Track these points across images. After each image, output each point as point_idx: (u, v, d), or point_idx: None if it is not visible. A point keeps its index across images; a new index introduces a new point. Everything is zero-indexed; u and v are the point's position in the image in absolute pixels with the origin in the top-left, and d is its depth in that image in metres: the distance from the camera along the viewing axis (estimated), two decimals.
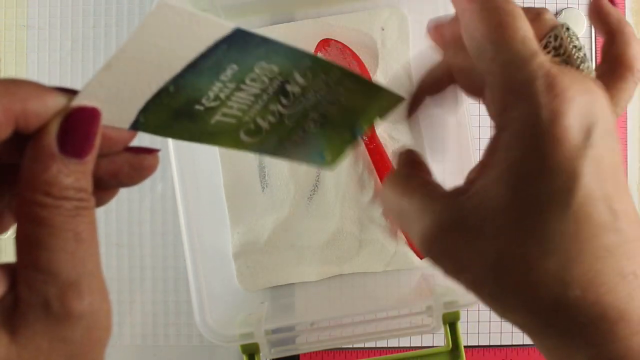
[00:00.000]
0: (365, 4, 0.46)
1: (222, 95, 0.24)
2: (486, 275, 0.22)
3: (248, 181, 0.47)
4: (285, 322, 0.40)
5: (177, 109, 0.24)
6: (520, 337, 0.48)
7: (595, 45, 0.48)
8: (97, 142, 0.21)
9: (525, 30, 0.22)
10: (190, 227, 0.39)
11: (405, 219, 0.24)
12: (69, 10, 0.48)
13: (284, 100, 0.26)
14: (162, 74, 0.23)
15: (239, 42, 0.23)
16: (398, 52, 0.46)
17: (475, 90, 0.26)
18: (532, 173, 0.20)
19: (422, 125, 0.46)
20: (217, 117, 0.25)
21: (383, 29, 0.46)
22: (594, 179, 0.20)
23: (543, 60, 0.21)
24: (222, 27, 0.22)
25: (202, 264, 0.39)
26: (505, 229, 0.21)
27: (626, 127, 0.48)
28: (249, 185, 0.46)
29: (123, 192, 0.47)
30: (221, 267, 0.46)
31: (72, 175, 0.20)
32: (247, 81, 0.24)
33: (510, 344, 0.48)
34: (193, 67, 0.23)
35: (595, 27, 0.25)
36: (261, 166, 0.47)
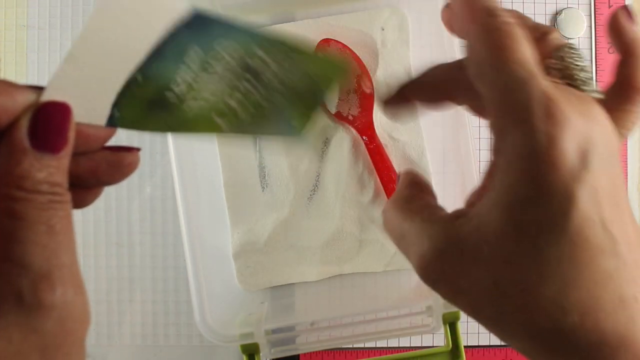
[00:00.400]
0: (365, 4, 0.46)
1: (188, 78, 0.24)
2: (484, 300, 0.21)
3: (248, 181, 0.47)
4: (285, 322, 0.40)
5: (149, 99, 0.24)
6: None
7: (596, 46, 0.48)
8: (71, 137, 0.21)
9: (524, 52, 0.21)
10: (190, 227, 0.39)
11: (405, 241, 0.24)
12: (69, 10, 0.48)
13: (247, 75, 0.26)
14: (127, 63, 0.23)
15: (199, 24, 0.24)
16: (398, 52, 0.46)
17: (480, 111, 0.26)
18: (527, 198, 0.20)
19: (421, 124, 0.46)
20: (188, 102, 0.25)
21: (383, 29, 0.46)
22: (590, 203, 0.20)
23: (541, 82, 0.21)
24: (179, 8, 0.23)
25: (202, 264, 0.39)
26: (502, 254, 0.21)
27: None
28: (249, 185, 0.46)
29: (123, 192, 0.48)
30: (221, 267, 0.46)
31: (45, 170, 0.20)
32: (210, 60, 0.25)
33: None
34: (157, 54, 0.23)
35: (611, 43, 0.25)
36: (261, 166, 0.47)
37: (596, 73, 0.48)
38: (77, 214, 0.47)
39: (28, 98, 0.21)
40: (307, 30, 0.46)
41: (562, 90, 0.21)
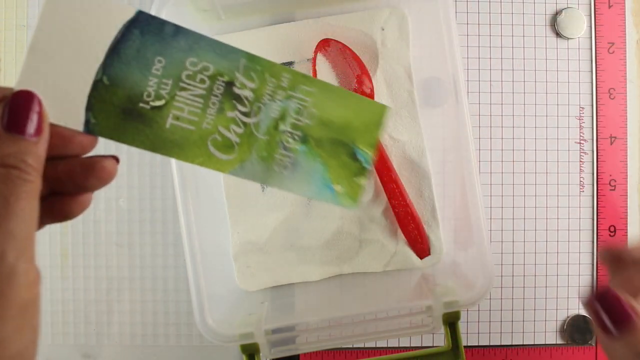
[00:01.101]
0: (365, 4, 0.46)
1: (163, 93, 0.25)
2: None
3: (248, 181, 0.47)
4: (285, 322, 0.40)
5: (122, 107, 0.25)
6: (520, 337, 0.48)
7: (596, 46, 0.48)
8: (42, 125, 0.23)
9: None
10: (190, 227, 0.39)
11: None
12: None
13: (239, 107, 0.27)
14: (88, 61, 0.24)
15: (150, 28, 0.25)
16: (398, 52, 0.46)
17: None
18: None
19: (421, 124, 0.46)
20: (170, 121, 0.26)
21: (383, 29, 0.46)
22: None
23: None
24: (124, 9, 0.24)
25: (202, 264, 0.39)
26: None
27: (626, 127, 0.48)
28: (249, 185, 0.46)
29: (123, 192, 0.47)
30: (221, 267, 0.46)
31: (13, 147, 0.22)
32: (184, 78, 0.26)
33: (510, 344, 0.48)
34: (116, 54, 0.24)
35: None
36: None
37: (596, 73, 0.48)
38: None
39: (6, 92, 0.23)
40: (306, 30, 0.46)
41: None
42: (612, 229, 0.48)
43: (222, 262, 0.46)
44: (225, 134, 0.27)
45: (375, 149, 0.29)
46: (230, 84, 0.26)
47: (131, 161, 0.48)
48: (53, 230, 0.48)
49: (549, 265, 0.48)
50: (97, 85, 0.24)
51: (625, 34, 0.48)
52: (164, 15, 0.37)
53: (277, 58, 0.46)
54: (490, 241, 0.48)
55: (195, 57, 0.25)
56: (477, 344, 0.47)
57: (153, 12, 0.37)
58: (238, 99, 0.26)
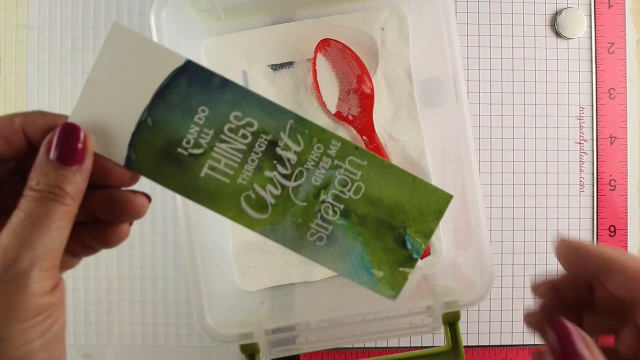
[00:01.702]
0: (365, 4, 0.46)
1: (202, 142, 0.26)
2: None
3: None
4: (285, 322, 0.40)
5: (162, 149, 0.26)
6: (520, 337, 0.48)
7: (596, 46, 0.48)
8: (85, 156, 0.25)
9: None
10: (190, 227, 0.39)
11: None
12: (69, 10, 0.48)
13: (280, 168, 0.26)
14: (136, 101, 0.25)
15: (197, 78, 0.25)
16: (398, 52, 0.46)
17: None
18: None
19: (421, 124, 0.46)
20: (206, 170, 0.26)
21: (383, 29, 0.46)
22: None
23: None
24: (175, 57, 0.25)
25: (202, 264, 0.39)
26: None
27: (626, 127, 0.48)
28: None
29: None
30: (221, 267, 0.46)
31: (54, 175, 0.24)
32: (226, 131, 0.26)
33: (510, 344, 0.48)
34: (161, 97, 0.25)
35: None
36: None
37: (596, 73, 0.48)
38: None
39: (58, 121, 0.25)
40: (306, 30, 0.46)
41: None
42: (612, 229, 0.48)
43: (222, 262, 0.46)
44: (260, 192, 0.26)
45: (429, 239, 0.27)
46: (273, 144, 0.26)
47: None
48: None
49: (549, 266, 0.48)
50: (141, 125, 0.25)
51: (625, 34, 0.48)
52: (163, 16, 0.37)
53: (277, 58, 0.46)
54: (490, 241, 0.48)
55: (241, 111, 0.26)
56: (477, 344, 0.47)
57: (153, 13, 0.37)
58: (279, 159, 0.26)
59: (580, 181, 0.48)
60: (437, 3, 0.38)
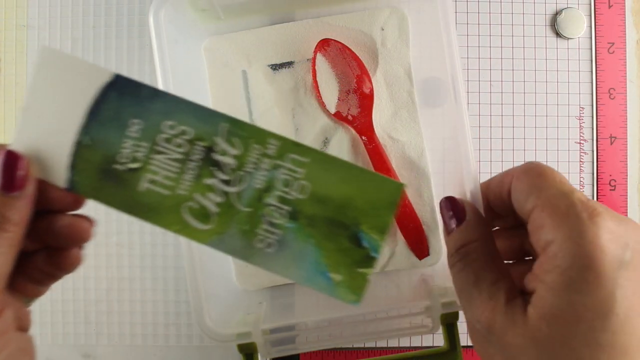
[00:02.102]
0: (365, 4, 0.46)
1: (139, 156, 0.25)
2: None
3: None
4: (285, 321, 0.40)
5: (99, 167, 0.25)
6: None
7: (596, 46, 0.48)
8: (26, 181, 0.25)
9: (562, 176, 0.27)
10: None
11: (468, 303, 0.28)
12: (69, 10, 0.48)
13: (220, 174, 0.25)
14: (72, 122, 0.25)
15: (127, 90, 0.25)
16: (398, 52, 0.46)
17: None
18: (578, 282, 0.23)
19: (421, 124, 0.46)
20: (145, 184, 0.25)
21: (383, 29, 0.46)
22: (633, 294, 0.23)
23: (580, 194, 0.25)
24: (102, 72, 0.25)
25: (201, 263, 0.39)
26: (559, 334, 0.23)
27: (626, 127, 0.48)
28: None
29: None
30: (220, 266, 0.46)
31: None
32: (161, 142, 0.25)
33: None
34: (95, 115, 0.25)
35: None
36: None
37: (596, 73, 0.48)
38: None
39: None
40: (306, 30, 0.46)
41: (596, 202, 0.26)
42: None
43: (220, 262, 0.46)
44: (202, 202, 0.25)
45: (386, 234, 0.26)
46: (210, 150, 0.25)
47: None
48: None
49: None
50: (79, 145, 0.25)
51: (625, 34, 0.48)
52: (162, 16, 0.37)
53: (277, 58, 0.46)
54: None
55: (174, 120, 0.25)
56: None
57: (151, 13, 0.37)
58: (218, 165, 0.25)
59: (580, 181, 0.48)
60: (436, 3, 0.38)
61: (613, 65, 0.48)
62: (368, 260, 0.25)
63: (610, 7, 0.48)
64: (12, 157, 0.25)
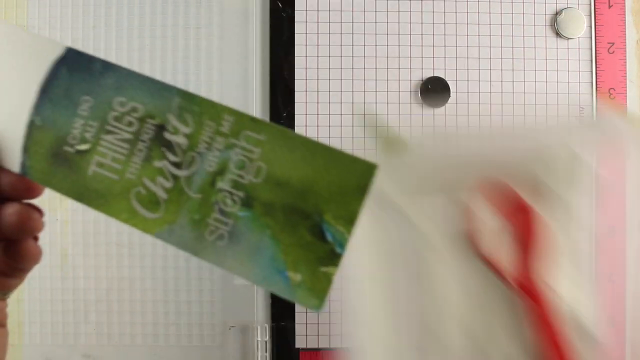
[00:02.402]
0: (529, 140, 0.36)
1: (88, 136, 0.23)
2: None
3: None
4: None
5: (51, 150, 0.23)
6: None
7: (596, 46, 0.48)
8: None
9: None
10: None
11: None
12: (69, 10, 0.48)
13: (170, 155, 0.22)
14: (25, 101, 0.23)
15: (77, 66, 0.23)
16: (564, 194, 0.35)
17: None
18: None
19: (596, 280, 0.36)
20: (94, 167, 0.23)
21: (548, 166, 0.36)
22: None
23: None
24: (53, 46, 0.23)
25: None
26: None
27: None
28: None
29: None
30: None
31: None
32: (111, 120, 0.23)
33: None
34: (45, 93, 0.23)
35: None
36: None
37: (596, 73, 0.48)
38: (78, 214, 0.47)
39: None
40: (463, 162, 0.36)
41: None
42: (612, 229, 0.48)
43: None
44: (151, 187, 0.23)
45: (354, 225, 0.21)
46: (161, 128, 0.22)
47: None
48: (53, 230, 0.48)
49: None
50: (31, 126, 0.23)
51: (625, 34, 0.48)
52: None
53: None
54: None
55: (124, 96, 0.23)
56: None
57: None
58: (169, 146, 0.22)
59: None
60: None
61: (613, 65, 0.48)
62: (332, 256, 0.21)
63: (610, 7, 0.48)
64: None
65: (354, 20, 0.48)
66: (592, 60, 0.48)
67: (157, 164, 0.22)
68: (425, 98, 0.47)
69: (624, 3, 0.48)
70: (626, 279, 0.34)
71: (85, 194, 0.23)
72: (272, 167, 0.22)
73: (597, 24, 0.48)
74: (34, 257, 0.26)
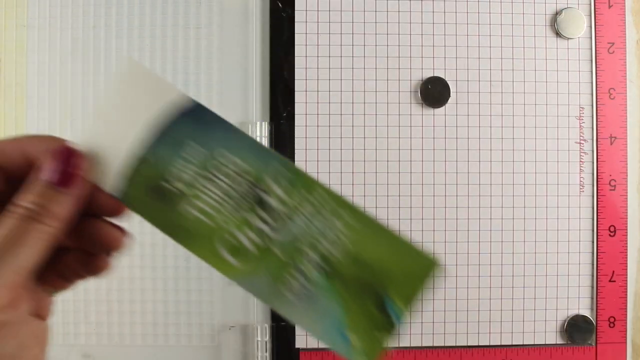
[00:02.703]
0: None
1: (186, 178, 0.25)
2: None
3: None
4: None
5: (150, 183, 0.25)
6: (520, 337, 0.48)
7: (596, 46, 0.48)
8: (79, 180, 0.24)
9: None
10: None
11: None
12: (69, 10, 0.48)
13: (263, 214, 0.25)
14: (137, 135, 0.25)
15: (202, 119, 0.25)
16: None
17: None
18: None
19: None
20: (188, 208, 0.25)
21: None
22: None
23: None
24: (182, 96, 0.25)
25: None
26: None
27: (626, 127, 0.48)
28: None
29: None
30: None
31: (44, 194, 0.23)
32: (212, 169, 0.25)
33: (510, 344, 0.48)
34: (163, 135, 0.25)
35: None
36: None
37: (596, 73, 0.48)
38: None
39: (54, 144, 0.25)
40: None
41: None
42: (612, 229, 0.48)
43: None
44: (240, 237, 0.25)
45: (409, 306, 0.25)
46: (257, 187, 0.25)
47: None
48: None
49: (549, 265, 0.48)
50: (138, 158, 0.25)
51: (625, 34, 0.48)
52: None
53: None
54: (490, 241, 0.48)
55: (228, 150, 0.25)
56: (477, 344, 0.47)
57: None
58: (262, 204, 0.25)
59: (580, 181, 0.48)
60: None
61: (613, 65, 0.48)
62: (387, 326, 0.25)
63: (610, 7, 0.48)
64: (72, 154, 0.24)
65: (354, 20, 0.48)
66: (592, 60, 0.48)
67: (247, 216, 0.25)
68: (425, 98, 0.47)
69: (624, 3, 0.48)
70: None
71: (173, 229, 0.25)
72: (357, 249, 0.25)
73: (597, 24, 0.48)
74: (103, 271, 0.27)
